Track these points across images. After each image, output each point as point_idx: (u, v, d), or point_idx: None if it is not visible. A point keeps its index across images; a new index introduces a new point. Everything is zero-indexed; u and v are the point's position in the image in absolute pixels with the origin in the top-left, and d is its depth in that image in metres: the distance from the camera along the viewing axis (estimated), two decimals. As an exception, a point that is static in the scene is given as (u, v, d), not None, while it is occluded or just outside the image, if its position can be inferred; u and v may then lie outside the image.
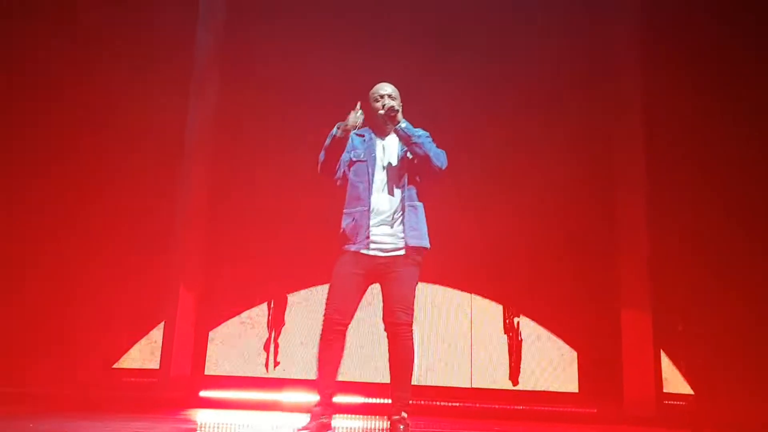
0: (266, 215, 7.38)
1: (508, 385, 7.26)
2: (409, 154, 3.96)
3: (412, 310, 3.88)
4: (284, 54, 7.60)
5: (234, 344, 7.18)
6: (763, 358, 6.99)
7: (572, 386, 7.23)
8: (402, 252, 3.85)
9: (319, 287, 7.16)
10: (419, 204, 3.96)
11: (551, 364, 7.30)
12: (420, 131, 3.95)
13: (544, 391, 7.21)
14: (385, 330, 3.88)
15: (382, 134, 4.13)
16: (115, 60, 7.12)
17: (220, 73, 7.57)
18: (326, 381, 3.79)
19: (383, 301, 3.88)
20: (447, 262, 7.02)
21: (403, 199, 3.90)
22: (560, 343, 7.36)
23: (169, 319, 6.93)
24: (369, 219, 3.82)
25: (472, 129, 7.48)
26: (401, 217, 3.87)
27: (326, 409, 3.80)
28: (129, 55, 7.18)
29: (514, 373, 7.30)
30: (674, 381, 7.23)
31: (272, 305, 7.29)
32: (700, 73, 7.34)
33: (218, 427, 5.03)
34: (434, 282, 7.33)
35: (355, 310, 3.86)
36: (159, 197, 7.10)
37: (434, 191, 4.22)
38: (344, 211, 3.93)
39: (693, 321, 7.13)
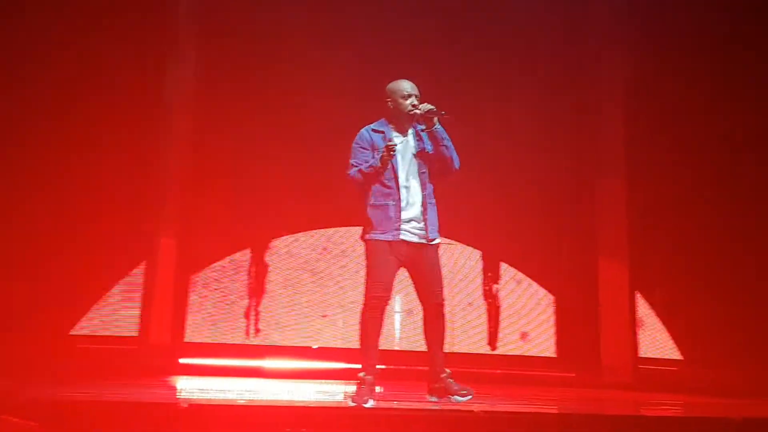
0: (247, 162, 7.31)
1: (486, 349, 7.35)
2: (427, 148, 4.15)
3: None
4: (262, 5, 7.53)
5: (213, 311, 7.17)
6: (747, 320, 7.11)
7: (550, 348, 7.37)
8: (425, 241, 4.13)
9: (300, 234, 7.30)
10: (434, 200, 4.21)
11: (529, 315, 7.44)
12: (446, 134, 4.15)
13: (522, 356, 7.31)
14: (425, 308, 4.28)
15: (401, 130, 4.22)
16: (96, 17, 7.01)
17: (200, 26, 7.47)
18: (374, 351, 4.20)
19: (421, 285, 4.23)
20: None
21: (425, 194, 4.14)
22: (537, 286, 7.54)
23: (150, 263, 6.89)
24: (399, 212, 4.05)
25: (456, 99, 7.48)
26: (425, 211, 4.12)
27: (375, 376, 4.18)
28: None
29: (493, 339, 7.40)
30: (659, 346, 7.40)
31: (252, 257, 7.27)
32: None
33: (199, 393, 5.06)
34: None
35: (392, 289, 4.20)
36: (141, 145, 7.02)
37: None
38: (371, 203, 4.10)
39: (673, 282, 7.24)
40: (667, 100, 7.40)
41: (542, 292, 7.54)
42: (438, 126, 4.09)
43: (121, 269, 6.89)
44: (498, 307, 7.52)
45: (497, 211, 7.50)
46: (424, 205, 4.11)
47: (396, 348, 7.24)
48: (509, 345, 7.42)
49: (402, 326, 7.32)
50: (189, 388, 5.43)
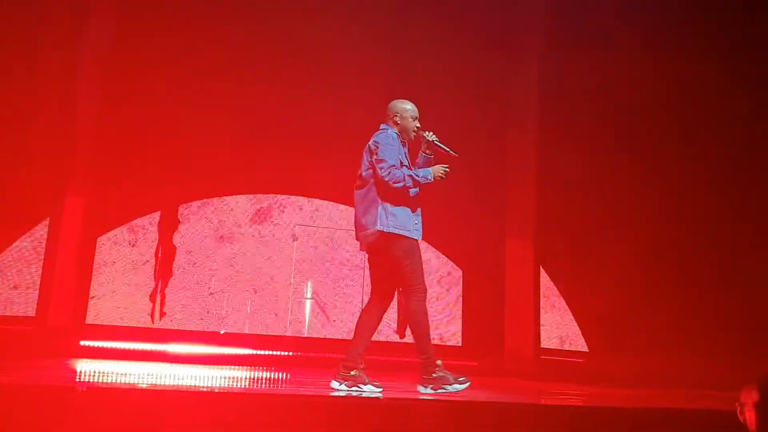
0: (159, 125, 7.09)
1: (394, 338, 7.46)
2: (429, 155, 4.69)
3: None
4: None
5: (118, 292, 6.94)
6: (652, 310, 7.50)
7: (456, 335, 7.56)
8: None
9: (214, 199, 7.22)
10: None
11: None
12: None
13: (429, 345, 7.45)
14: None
15: (407, 141, 4.70)
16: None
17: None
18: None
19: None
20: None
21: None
22: (446, 259, 7.75)
23: (54, 221, 6.62)
24: (420, 215, 4.54)
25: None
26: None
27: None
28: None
29: (401, 327, 7.50)
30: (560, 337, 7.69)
31: (161, 221, 7.09)
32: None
33: (99, 376, 4.90)
34: (330, 227, 7.44)
35: None
36: (52, 105, 6.71)
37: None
38: (394, 204, 4.43)
39: (580, 267, 7.55)
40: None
41: (451, 278, 7.73)
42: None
43: (23, 228, 6.59)
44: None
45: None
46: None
47: (305, 335, 7.24)
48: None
49: (312, 314, 7.32)
50: (88, 371, 5.25)
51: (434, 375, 4.35)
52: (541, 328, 7.63)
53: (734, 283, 7.66)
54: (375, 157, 4.46)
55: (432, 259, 7.71)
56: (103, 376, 4.94)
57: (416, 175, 4.45)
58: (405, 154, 4.58)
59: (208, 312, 7.05)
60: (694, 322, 7.48)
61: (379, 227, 4.40)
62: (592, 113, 7.72)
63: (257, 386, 4.89)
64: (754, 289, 7.58)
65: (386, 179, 4.37)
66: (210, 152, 7.11)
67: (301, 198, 7.55)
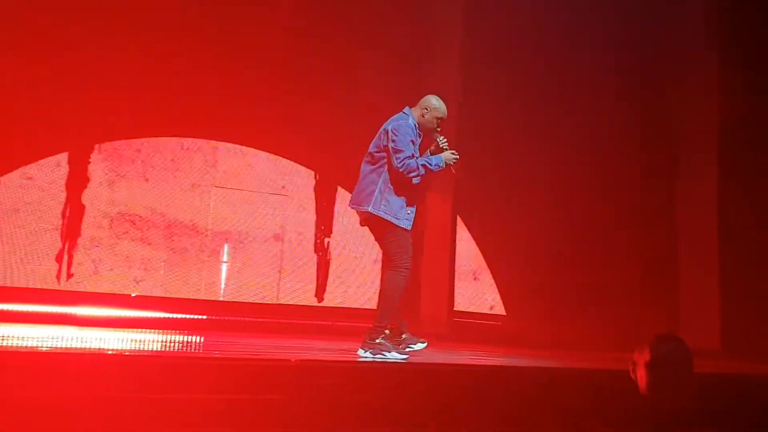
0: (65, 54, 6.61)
1: (313, 301, 7.46)
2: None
3: None
4: None
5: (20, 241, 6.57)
6: (569, 277, 7.79)
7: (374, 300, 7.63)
8: None
9: (133, 141, 6.91)
10: None
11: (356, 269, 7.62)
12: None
13: (348, 308, 7.50)
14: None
15: (422, 134, 4.79)
16: None
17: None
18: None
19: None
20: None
21: None
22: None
23: None
24: (414, 209, 4.69)
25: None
26: None
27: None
28: None
29: (321, 291, 7.51)
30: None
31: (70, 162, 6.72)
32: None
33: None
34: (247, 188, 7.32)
35: None
36: None
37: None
38: (398, 191, 4.58)
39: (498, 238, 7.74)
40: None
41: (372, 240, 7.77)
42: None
43: None
44: (328, 261, 7.63)
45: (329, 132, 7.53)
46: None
47: (221, 299, 7.14)
48: (336, 297, 7.59)
49: (227, 277, 7.21)
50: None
51: (377, 341, 4.51)
52: (461, 293, 7.81)
53: (641, 255, 8.09)
54: (392, 145, 4.57)
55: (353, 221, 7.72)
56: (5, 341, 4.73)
57: (429, 164, 4.61)
58: (417, 144, 4.72)
59: (120, 274, 6.82)
60: (605, 289, 7.86)
61: (370, 208, 4.57)
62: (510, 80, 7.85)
63: (168, 349, 4.80)
64: (657, 262, 8.04)
65: (401, 169, 4.53)
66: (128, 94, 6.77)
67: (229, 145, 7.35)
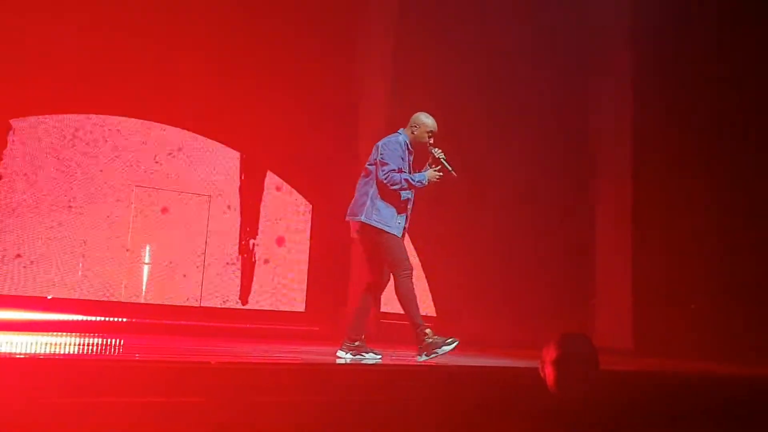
0: None
1: (237, 304, 7.40)
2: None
3: None
4: None
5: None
6: (497, 278, 7.93)
7: (300, 303, 7.64)
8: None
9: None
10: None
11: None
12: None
13: (272, 311, 7.47)
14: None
15: (414, 152, 5.08)
16: None
17: None
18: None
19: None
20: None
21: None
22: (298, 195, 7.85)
23: None
24: (409, 212, 5.00)
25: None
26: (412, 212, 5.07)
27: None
28: None
29: (245, 293, 7.45)
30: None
31: None
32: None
33: None
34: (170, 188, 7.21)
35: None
36: None
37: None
38: (387, 201, 4.87)
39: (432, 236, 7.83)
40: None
41: (299, 243, 7.78)
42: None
43: None
44: (253, 263, 7.58)
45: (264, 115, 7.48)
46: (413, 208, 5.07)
47: (142, 301, 6.99)
48: (261, 300, 7.54)
49: (149, 279, 7.07)
50: None
51: (427, 341, 4.78)
52: (388, 295, 7.86)
53: (562, 255, 8.31)
54: (380, 158, 4.89)
55: (279, 224, 7.70)
56: None
57: (412, 179, 4.88)
58: (409, 161, 5.00)
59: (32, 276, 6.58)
60: (527, 288, 8.06)
61: (363, 218, 4.86)
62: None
63: (86, 352, 4.68)
64: (576, 262, 8.27)
65: (384, 181, 4.82)
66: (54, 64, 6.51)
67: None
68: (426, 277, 8.08)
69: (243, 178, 7.62)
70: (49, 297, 6.57)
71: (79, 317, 6.46)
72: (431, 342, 4.78)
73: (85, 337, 5.81)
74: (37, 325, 6.22)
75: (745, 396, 4.31)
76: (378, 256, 4.94)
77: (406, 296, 4.89)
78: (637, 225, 7.88)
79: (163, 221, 7.17)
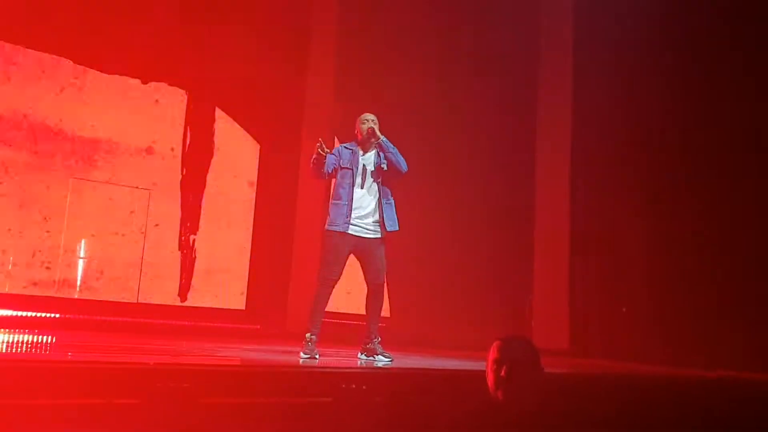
0: None
1: (176, 301, 7.25)
2: (383, 165, 5.16)
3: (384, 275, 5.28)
4: None
5: None
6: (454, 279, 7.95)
7: (240, 301, 7.55)
8: (379, 235, 5.12)
9: None
10: (392, 200, 5.23)
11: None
12: (392, 145, 5.20)
13: (211, 308, 7.35)
14: (369, 287, 5.18)
15: (365, 150, 5.24)
16: None
17: None
18: (321, 316, 5.06)
19: (367, 269, 5.17)
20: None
21: (379, 197, 5.14)
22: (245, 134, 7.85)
23: None
24: (350, 209, 5.03)
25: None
26: (379, 210, 5.11)
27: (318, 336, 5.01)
28: None
29: (184, 290, 7.31)
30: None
31: None
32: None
33: None
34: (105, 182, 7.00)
35: (342, 272, 5.10)
36: None
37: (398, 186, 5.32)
38: (332, 201, 5.12)
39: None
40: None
41: (240, 240, 7.67)
42: (382, 139, 5.15)
43: None
44: (194, 259, 7.45)
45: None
46: (379, 206, 5.11)
47: (76, 297, 6.78)
48: (201, 297, 7.42)
49: (83, 275, 6.85)
50: None
51: (309, 344, 4.92)
52: (348, 294, 7.83)
53: (503, 256, 8.40)
54: None
55: (220, 220, 7.58)
56: None
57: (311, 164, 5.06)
58: (348, 156, 5.15)
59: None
60: (470, 289, 8.14)
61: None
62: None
63: (14, 351, 4.50)
64: (515, 264, 8.37)
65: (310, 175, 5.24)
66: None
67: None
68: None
69: (184, 172, 7.49)
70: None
71: (7, 312, 6.20)
72: (309, 348, 4.91)
73: (13, 334, 5.59)
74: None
75: (679, 397, 4.45)
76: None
77: (314, 298, 5.06)
78: (574, 227, 7.98)
79: (102, 213, 6.97)
